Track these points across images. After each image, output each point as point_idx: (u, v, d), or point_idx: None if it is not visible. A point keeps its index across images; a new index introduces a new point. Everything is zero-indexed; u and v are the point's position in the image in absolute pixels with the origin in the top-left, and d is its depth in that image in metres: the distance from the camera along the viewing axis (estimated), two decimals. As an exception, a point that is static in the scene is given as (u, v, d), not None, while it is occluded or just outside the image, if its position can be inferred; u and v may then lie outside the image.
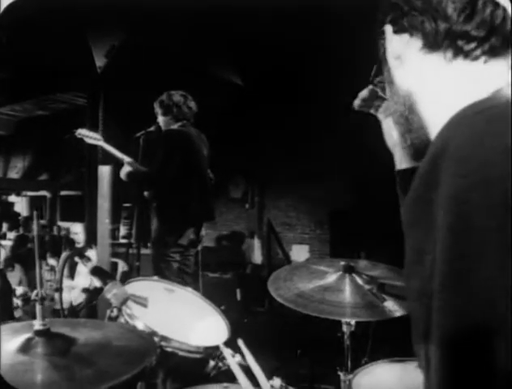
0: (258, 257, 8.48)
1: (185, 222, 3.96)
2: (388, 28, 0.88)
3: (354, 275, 2.13)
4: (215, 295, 2.45)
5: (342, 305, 2.00)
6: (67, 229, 7.01)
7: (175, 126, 4.02)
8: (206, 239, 6.22)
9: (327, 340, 2.64)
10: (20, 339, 1.18)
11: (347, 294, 2.05)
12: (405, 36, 0.85)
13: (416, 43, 0.84)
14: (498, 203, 0.58)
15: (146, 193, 4.12)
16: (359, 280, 2.11)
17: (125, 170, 3.94)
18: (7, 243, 7.48)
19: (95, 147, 4.94)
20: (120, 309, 1.75)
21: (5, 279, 5.28)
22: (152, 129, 4.18)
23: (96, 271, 1.72)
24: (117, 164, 4.25)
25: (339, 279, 2.12)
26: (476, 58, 0.80)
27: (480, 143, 0.62)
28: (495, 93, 0.74)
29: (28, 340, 1.17)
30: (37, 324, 1.19)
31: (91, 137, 4.25)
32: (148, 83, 5.62)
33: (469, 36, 0.79)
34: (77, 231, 5.81)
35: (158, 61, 6.07)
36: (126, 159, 4.00)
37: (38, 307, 1.19)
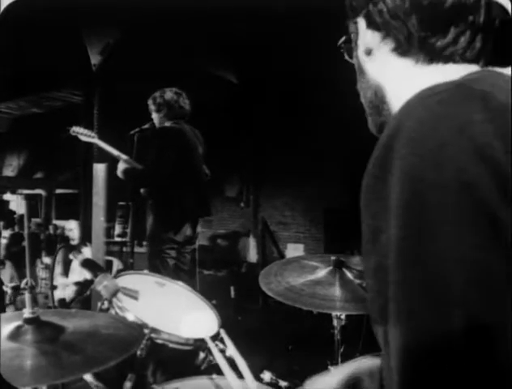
0: (253, 256, 8.50)
1: (181, 218, 3.96)
2: (361, 21, 0.89)
3: (344, 269, 2.15)
4: (209, 292, 2.46)
5: (332, 298, 2.02)
6: (62, 228, 7.02)
7: (168, 124, 4.03)
8: (201, 238, 6.22)
9: (320, 336, 2.66)
10: (10, 327, 1.19)
11: (338, 288, 2.06)
12: (378, 35, 0.87)
13: (388, 44, 0.86)
14: (451, 181, 0.61)
15: (142, 190, 4.13)
16: (349, 275, 2.13)
17: (121, 167, 3.95)
18: (1, 241, 7.48)
19: (90, 144, 4.96)
20: (110, 302, 1.76)
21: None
22: (147, 126, 4.19)
23: (86, 264, 1.73)
24: (113, 162, 4.25)
25: (330, 274, 2.13)
26: (451, 62, 0.83)
27: (434, 124, 0.65)
28: (453, 80, 0.75)
29: (18, 328, 1.19)
30: (27, 312, 1.21)
31: (85, 134, 4.26)
32: (144, 80, 5.62)
33: (442, 48, 0.82)
34: (71, 227, 5.82)
35: (153, 58, 6.08)
36: (122, 156, 4.01)
37: (27, 295, 1.21)
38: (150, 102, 4.10)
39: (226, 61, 6.77)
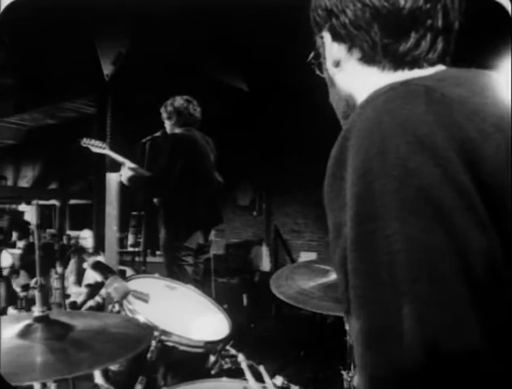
0: (266, 264, 8.48)
1: (193, 226, 3.98)
2: (326, 35, 0.92)
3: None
4: (222, 299, 2.46)
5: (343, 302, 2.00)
6: (76, 238, 7.07)
7: (179, 131, 4.06)
8: (214, 247, 6.20)
9: (333, 344, 2.64)
10: (20, 325, 1.21)
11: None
12: (343, 47, 0.90)
13: (355, 54, 0.89)
14: (394, 169, 0.65)
15: (155, 199, 4.15)
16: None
17: (126, 175, 3.97)
18: (16, 251, 7.54)
19: (103, 155, 5.00)
20: (121, 304, 1.76)
21: (10, 286, 5.34)
22: (158, 134, 4.22)
23: (96, 266, 1.75)
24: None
25: (341, 277, 2.12)
26: (418, 67, 0.86)
27: (378, 121, 0.70)
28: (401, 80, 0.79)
29: (28, 326, 1.20)
30: (37, 311, 1.22)
31: (96, 145, 4.30)
32: (156, 89, 5.66)
33: (405, 53, 0.85)
34: (86, 236, 5.86)
35: (165, 67, 6.12)
36: (131, 165, 4.04)
37: (37, 294, 1.22)
38: (162, 110, 4.15)
39: (236, 69, 6.79)
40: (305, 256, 8.35)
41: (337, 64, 0.92)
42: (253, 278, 7.70)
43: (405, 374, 0.61)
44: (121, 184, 4.78)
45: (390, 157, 0.66)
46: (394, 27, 0.84)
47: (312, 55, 1.00)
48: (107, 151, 4.31)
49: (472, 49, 0.89)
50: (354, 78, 0.91)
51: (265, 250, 8.57)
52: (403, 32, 0.84)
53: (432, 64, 0.86)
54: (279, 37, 5.31)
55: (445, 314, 0.60)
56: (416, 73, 0.85)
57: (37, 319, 1.20)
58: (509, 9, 0.88)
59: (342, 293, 0.73)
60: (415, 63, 0.85)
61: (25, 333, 1.18)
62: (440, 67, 0.86)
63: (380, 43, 0.85)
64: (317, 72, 1.01)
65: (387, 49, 0.85)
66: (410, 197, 0.64)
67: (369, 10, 0.84)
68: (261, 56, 6.04)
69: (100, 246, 6.06)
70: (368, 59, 0.88)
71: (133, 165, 4.02)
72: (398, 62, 0.86)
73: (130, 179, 3.95)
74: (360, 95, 0.89)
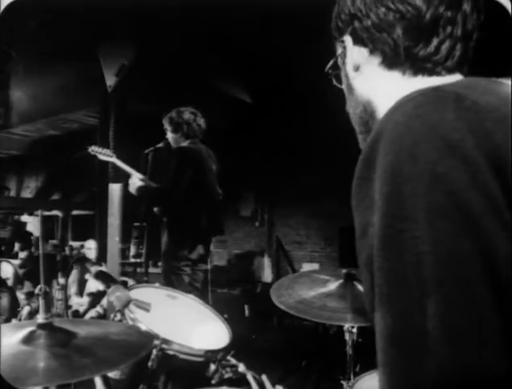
0: (268, 275, 8.48)
1: (195, 237, 3.99)
2: (348, 39, 0.94)
3: (355, 282, 2.15)
4: (223, 310, 2.47)
5: (343, 311, 2.02)
6: (78, 248, 7.08)
7: (185, 143, 4.07)
8: (216, 258, 6.22)
9: (334, 354, 2.65)
10: (24, 332, 1.23)
11: (349, 301, 2.06)
12: (365, 50, 0.92)
13: (376, 58, 0.91)
14: (424, 173, 0.67)
15: (156, 209, 4.16)
16: (360, 288, 2.13)
17: (135, 184, 3.98)
18: (18, 262, 7.56)
19: (105, 166, 5.01)
20: (123, 313, 1.78)
21: (14, 297, 5.35)
22: (161, 145, 4.23)
23: (99, 275, 1.77)
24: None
25: (341, 287, 2.14)
26: (436, 74, 0.88)
27: (409, 125, 0.71)
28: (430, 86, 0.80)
29: (31, 333, 1.22)
30: (40, 318, 1.24)
31: (104, 153, 4.31)
32: (158, 101, 5.69)
33: (426, 57, 0.87)
34: (90, 246, 5.85)
35: (167, 78, 6.15)
36: (138, 175, 4.06)
37: (41, 301, 1.24)
38: (166, 122, 4.13)
39: (240, 80, 6.82)
40: (308, 267, 8.35)
41: (357, 68, 0.94)
42: (255, 289, 7.70)
43: (426, 372, 0.63)
44: (126, 194, 4.79)
45: (419, 161, 0.67)
46: (417, 31, 0.86)
47: (330, 65, 1.02)
48: (114, 160, 4.31)
49: (472, 49, 0.90)
50: (373, 82, 0.92)
51: (267, 261, 8.57)
52: (424, 36, 0.86)
53: (450, 71, 0.88)
54: (280, 39, 5.32)
55: (468, 316, 0.62)
56: (437, 80, 0.86)
57: (41, 326, 1.22)
58: (509, 9, 0.91)
59: (366, 292, 0.75)
60: (434, 69, 0.87)
61: (29, 339, 1.20)
62: (458, 75, 0.88)
63: (402, 45, 0.87)
64: (335, 82, 1.03)
65: (409, 52, 0.87)
66: (439, 201, 0.65)
67: (393, 13, 0.86)
68: (266, 66, 6.05)
69: (102, 257, 6.07)
70: (389, 63, 0.89)
71: (141, 176, 4.04)
72: (418, 67, 0.88)
73: (139, 189, 3.96)
74: (379, 100, 0.92)
